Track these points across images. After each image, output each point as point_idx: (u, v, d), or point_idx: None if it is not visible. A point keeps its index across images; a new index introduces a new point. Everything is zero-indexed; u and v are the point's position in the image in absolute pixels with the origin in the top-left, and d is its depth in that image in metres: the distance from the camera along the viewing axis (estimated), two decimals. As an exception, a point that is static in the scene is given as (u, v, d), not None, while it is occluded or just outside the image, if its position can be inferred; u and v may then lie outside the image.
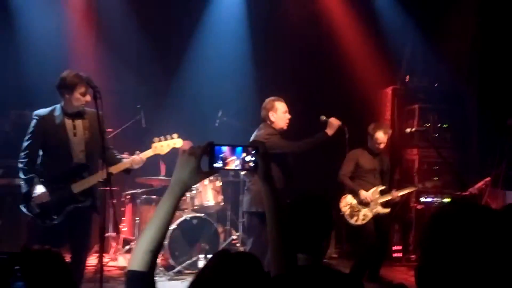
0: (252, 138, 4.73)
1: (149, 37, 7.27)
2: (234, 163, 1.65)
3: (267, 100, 4.81)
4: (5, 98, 6.17)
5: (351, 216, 5.37)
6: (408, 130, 6.37)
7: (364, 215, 5.35)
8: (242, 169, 1.72)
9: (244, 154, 1.65)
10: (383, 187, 5.46)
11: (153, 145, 4.23)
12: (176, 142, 4.28)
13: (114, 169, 4.01)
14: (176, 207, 1.61)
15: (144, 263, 1.53)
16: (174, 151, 4.34)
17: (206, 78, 7.24)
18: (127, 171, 4.17)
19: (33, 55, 6.56)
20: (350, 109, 5.43)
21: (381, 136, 5.41)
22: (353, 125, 5.26)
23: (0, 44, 6.44)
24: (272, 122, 4.74)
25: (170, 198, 1.58)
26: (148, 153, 4.23)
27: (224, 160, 1.63)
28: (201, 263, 5.77)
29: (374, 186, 5.42)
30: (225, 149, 1.63)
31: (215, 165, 1.62)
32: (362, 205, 5.34)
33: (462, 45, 7.08)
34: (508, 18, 6.58)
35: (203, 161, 1.60)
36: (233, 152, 1.64)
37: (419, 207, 6.81)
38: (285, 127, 4.77)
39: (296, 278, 1.78)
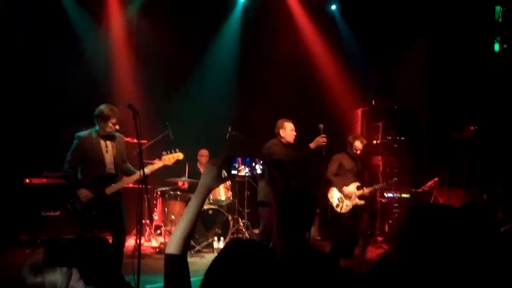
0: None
1: (175, 69, 7.33)
2: (245, 171, 1.68)
3: (280, 120, 4.80)
4: (63, 114, 6.20)
5: (337, 205, 5.36)
6: (374, 142, 6.41)
7: (346, 205, 5.36)
8: (252, 175, 1.75)
9: (253, 164, 1.68)
10: (358, 184, 5.46)
11: (162, 157, 4.29)
12: (179, 155, 4.37)
13: (122, 183, 4.17)
14: (203, 204, 1.63)
15: (178, 248, 1.54)
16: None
17: (218, 102, 7.28)
18: (138, 180, 4.16)
19: (87, 79, 6.59)
20: (330, 126, 5.44)
21: (358, 144, 5.49)
22: (333, 138, 5.30)
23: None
24: (281, 137, 4.74)
25: (198, 198, 1.59)
26: (159, 163, 4.28)
27: (237, 168, 1.65)
28: (215, 244, 5.77)
29: (352, 182, 5.42)
30: (238, 159, 1.65)
31: (232, 172, 1.64)
32: (345, 197, 5.37)
33: (415, 75, 7.12)
34: (453, 52, 6.63)
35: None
36: (244, 162, 1.67)
37: (383, 200, 6.82)
38: (291, 141, 4.76)
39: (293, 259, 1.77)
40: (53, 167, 6.05)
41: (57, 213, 5.87)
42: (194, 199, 1.60)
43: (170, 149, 4.48)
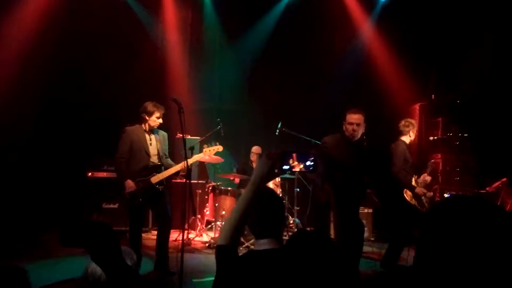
0: None
1: (227, 67, 7.30)
2: (298, 166, 1.68)
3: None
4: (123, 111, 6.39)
5: (421, 205, 4.66)
6: (431, 138, 5.86)
7: (426, 201, 4.73)
8: (305, 171, 1.70)
9: (305, 159, 1.66)
10: (416, 176, 4.83)
11: (204, 150, 4.65)
12: (219, 147, 4.68)
13: (167, 172, 4.43)
14: (256, 196, 1.61)
15: (227, 239, 1.56)
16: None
17: (269, 98, 7.16)
18: (177, 173, 4.51)
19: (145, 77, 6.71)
20: (385, 122, 5.13)
21: (415, 132, 4.86)
22: (388, 135, 4.97)
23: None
24: (343, 130, 4.14)
25: (251, 189, 1.59)
26: (200, 155, 4.65)
27: (291, 164, 1.66)
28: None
29: (412, 176, 4.75)
30: (292, 155, 1.65)
31: (284, 167, 1.65)
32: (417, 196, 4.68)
33: (480, 67, 6.49)
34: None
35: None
36: (297, 157, 1.67)
37: (443, 201, 6.25)
38: (349, 136, 4.08)
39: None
40: (112, 161, 6.31)
41: (116, 206, 6.10)
42: (248, 190, 1.60)
43: (223, 145, 4.72)
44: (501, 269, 0.94)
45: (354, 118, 4.07)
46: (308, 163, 1.65)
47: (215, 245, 1.64)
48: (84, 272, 1.72)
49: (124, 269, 1.27)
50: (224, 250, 1.57)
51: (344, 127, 4.14)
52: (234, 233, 1.57)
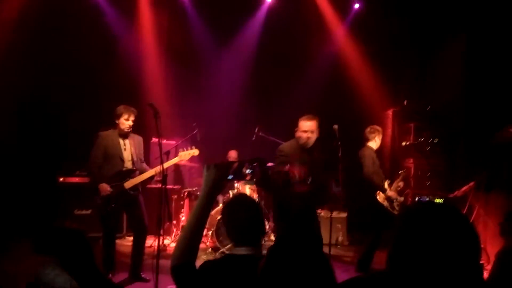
0: None
1: (203, 70, 7.27)
2: (249, 176, 1.70)
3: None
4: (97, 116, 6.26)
5: (392, 208, 4.80)
6: (403, 143, 6.00)
7: (397, 205, 4.89)
8: (247, 180, 1.73)
9: (247, 168, 1.68)
10: (389, 181, 5.01)
11: (179, 154, 4.58)
12: (194, 151, 4.59)
13: (141, 177, 4.38)
14: (212, 203, 1.58)
15: (182, 257, 1.49)
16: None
17: (246, 103, 7.16)
18: (151, 178, 4.46)
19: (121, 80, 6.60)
20: (359, 128, 5.22)
21: (381, 138, 5.03)
22: (362, 140, 5.05)
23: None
24: (296, 138, 4.18)
25: (205, 202, 1.56)
26: (176, 159, 4.60)
27: (243, 172, 1.68)
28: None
29: (383, 179, 4.93)
30: (245, 164, 1.68)
31: (228, 177, 1.66)
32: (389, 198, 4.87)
33: (451, 73, 6.71)
34: (492, 49, 6.18)
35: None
36: (247, 166, 1.69)
37: (415, 205, 6.40)
38: (303, 144, 4.06)
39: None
40: (85, 166, 6.13)
41: (89, 212, 5.94)
42: (199, 204, 1.55)
43: (201, 149, 4.66)
44: (461, 272, 1.01)
45: (307, 125, 4.04)
46: (248, 171, 1.68)
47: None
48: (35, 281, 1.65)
49: (97, 277, 1.24)
50: (181, 269, 1.48)
51: (297, 134, 4.11)
52: (190, 249, 1.50)
